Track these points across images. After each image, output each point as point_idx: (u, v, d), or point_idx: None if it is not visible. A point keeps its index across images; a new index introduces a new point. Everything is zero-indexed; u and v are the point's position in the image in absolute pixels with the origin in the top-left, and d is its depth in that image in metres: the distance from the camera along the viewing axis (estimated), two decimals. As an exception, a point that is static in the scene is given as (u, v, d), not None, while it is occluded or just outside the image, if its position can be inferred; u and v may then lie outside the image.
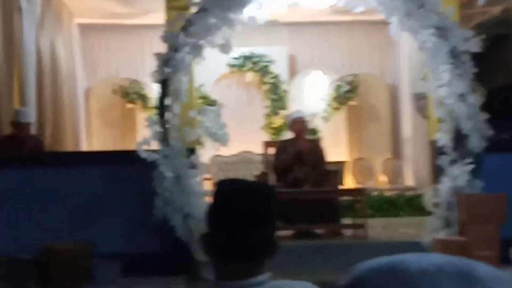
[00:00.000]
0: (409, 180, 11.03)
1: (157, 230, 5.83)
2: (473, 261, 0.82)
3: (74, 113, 10.38)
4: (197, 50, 5.98)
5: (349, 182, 10.68)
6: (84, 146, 10.74)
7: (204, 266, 5.41)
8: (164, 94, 6.01)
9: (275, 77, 11.33)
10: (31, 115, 7.23)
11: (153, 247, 5.94)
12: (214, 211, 1.76)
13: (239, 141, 9.70)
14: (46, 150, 7.55)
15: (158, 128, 5.94)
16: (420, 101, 9.70)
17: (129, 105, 11.22)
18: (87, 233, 5.83)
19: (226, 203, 1.74)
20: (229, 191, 1.77)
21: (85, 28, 11.28)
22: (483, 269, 0.81)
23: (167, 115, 6.01)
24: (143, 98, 11.17)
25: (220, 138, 5.97)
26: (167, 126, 5.97)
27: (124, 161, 6.15)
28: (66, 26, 10.23)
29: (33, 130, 7.37)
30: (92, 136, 11.14)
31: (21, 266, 5.38)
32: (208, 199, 5.94)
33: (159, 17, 7.59)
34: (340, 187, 8.19)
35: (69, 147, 9.63)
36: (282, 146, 7.39)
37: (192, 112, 6.12)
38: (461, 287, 0.79)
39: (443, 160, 6.06)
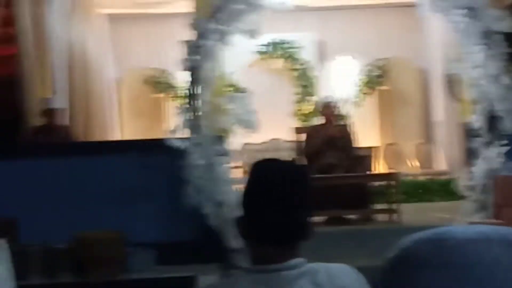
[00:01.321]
0: (441, 164, 10.92)
1: (189, 218, 5.83)
2: None
3: (104, 103, 10.43)
4: (224, 37, 5.95)
5: (380, 167, 10.61)
6: (115, 136, 10.79)
7: (236, 254, 5.40)
8: (193, 82, 6.00)
9: (304, 63, 11.27)
10: (61, 102, 7.27)
11: (185, 235, 5.94)
12: (251, 192, 1.74)
13: (269, 128, 9.67)
14: (77, 139, 7.60)
15: (188, 116, 5.93)
16: (452, 83, 9.58)
17: (156, 95, 11.25)
18: (119, 222, 5.84)
19: (263, 185, 1.72)
20: (266, 172, 1.74)
21: (114, 18, 11.30)
22: None
23: (197, 103, 6.00)
24: (171, 87, 11.19)
25: (250, 125, 5.95)
26: (197, 114, 5.96)
27: (155, 149, 6.16)
28: (95, 17, 10.27)
29: (65, 120, 7.43)
30: (122, 126, 11.19)
31: (54, 255, 5.40)
32: (239, 187, 5.93)
33: (186, 5, 7.59)
34: (371, 172, 8.14)
35: (99, 137, 9.69)
36: (312, 132, 7.36)
37: (221, 100, 6.09)
38: (507, 254, 0.77)
39: (477, 143, 5.98)
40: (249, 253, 1.75)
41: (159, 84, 11.21)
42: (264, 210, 1.70)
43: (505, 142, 5.81)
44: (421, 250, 0.81)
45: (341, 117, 10.33)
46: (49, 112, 6.78)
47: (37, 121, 7.07)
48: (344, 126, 7.83)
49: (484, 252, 0.78)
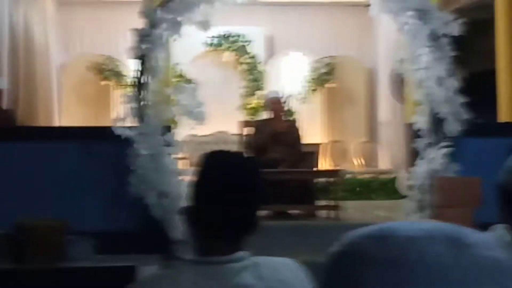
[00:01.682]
0: (384, 163, 11.08)
1: (131, 208, 5.78)
2: (463, 227, 0.82)
3: (48, 89, 10.25)
4: (175, 27, 5.90)
5: (324, 164, 10.70)
6: (57, 122, 10.62)
7: (178, 245, 5.38)
8: (140, 70, 5.94)
9: (253, 57, 11.28)
10: (3, 84, 7.11)
11: (127, 225, 5.89)
12: (200, 183, 1.72)
13: (215, 121, 9.65)
14: (19, 124, 7.45)
15: (134, 105, 5.87)
16: (398, 84, 9.71)
17: (104, 82, 11.10)
18: (61, 210, 5.76)
19: (213, 176, 1.71)
20: (217, 164, 1.73)
21: (60, 3, 11.11)
22: (473, 235, 0.81)
23: (144, 92, 5.94)
24: (118, 75, 11.06)
25: (197, 116, 5.92)
26: (143, 103, 5.90)
27: (99, 137, 6.08)
28: (41, 0, 10.07)
29: (6, 104, 7.27)
30: (65, 113, 11.01)
31: (-7, 241, 5.31)
32: (183, 178, 5.90)
33: (136, -8, 7.50)
34: (316, 168, 8.20)
35: (42, 122, 9.53)
36: (258, 126, 7.37)
37: (168, 90, 6.05)
38: (450, 253, 0.78)
39: (419, 143, 6.08)
40: (194, 244, 1.74)
41: (105, 71, 11.07)
42: (212, 202, 1.69)
43: (447, 143, 5.92)
44: (363, 246, 0.82)
45: (288, 112, 10.40)
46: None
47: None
48: (291, 121, 7.86)
49: (426, 250, 0.79)
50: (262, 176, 1.75)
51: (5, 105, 7.44)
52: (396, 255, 0.78)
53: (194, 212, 1.72)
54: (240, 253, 1.70)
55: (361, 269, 0.79)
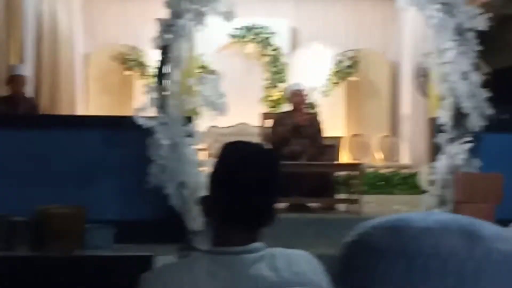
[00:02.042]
0: (405, 158, 11.01)
1: (151, 197, 5.80)
2: (478, 220, 0.80)
3: (72, 77, 10.31)
4: (199, 17, 5.89)
5: (345, 157, 10.66)
6: (81, 111, 10.68)
7: (196, 236, 5.39)
8: (163, 60, 5.94)
9: (276, 49, 11.25)
10: (26, 70, 7.15)
11: (146, 214, 5.91)
12: (219, 173, 1.72)
13: (237, 112, 9.65)
14: (42, 112, 7.50)
15: (156, 95, 5.87)
16: (422, 78, 9.65)
17: (127, 72, 11.14)
18: (81, 198, 5.79)
19: (232, 166, 1.70)
20: (236, 154, 1.72)
21: (87, -8, 11.17)
22: (488, 228, 0.80)
23: (166, 82, 5.95)
24: (141, 65, 11.09)
25: (219, 107, 5.92)
26: (165, 93, 5.91)
27: (120, 126, 6.10)
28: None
29: (29, 92, 7.32)
30: (89, 102, 11.07)
31: (14, 227, 5.36)
32: (203, 168, 5.91)
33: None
34: (336, 162, 8.17)
35: (65, 111, 9.58)
36: (279, 118, 7.35)
37: (191, 81, 6.05)
38: (464, 245, 0.77)
39: (442, 138, 6.03)
40: (210, 233, 1.74)
41: (129, 61, 11.10)
42: (231, 192, 1.68)
43: (470, 139, 5.87)
44: (377, 237, 0.80)
45: (310, 105, 10.37)
46: (15, 79, 6.64)
47: (3, 90, 6.94)
48: (312, 114, 7.83)
49: (440, 243, 0.78)
50: (281, 168, 1.74)
51: (28, 93, 7.50)
52: (410, 246, 0.77)
53: (211, 201, 1.72)
54: (256, 244, 1.69)
55: (374, 260, 0.78)
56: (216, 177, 1.72)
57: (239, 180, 1.67)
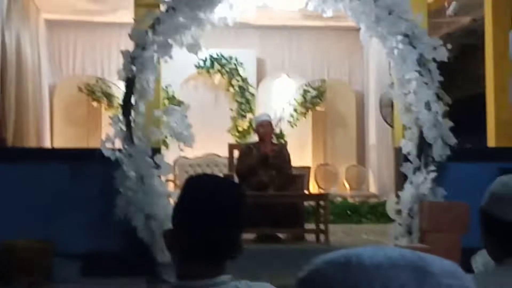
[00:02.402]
0: (373, 187, 11.08)
1: (118, 230, 5.76)
2: (428, 255, 0.82)
3: (38, 110, 10.23)
4: (165, 49, 5.92)
5: (313, 187, 10.69)
6: (47, 144, 10.58)
7: (164, 268, 5.35)
8: (129, 92, 5.94)
9: (243, 80, 11.30)
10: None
11: (114, 247, 5.87)
12: (181, 206, 1.72)
13: (205, 143, 9.65)
14: (7, 145, 7.42)
15: (122, 127, 5.86)
16: (386, 108, 9.76)
17: (95, 104, 11.09)
18: (48, 231, 5.74)
19: (193, 199, 1.70)
20: (200, 187, 1.73)
21: (52, 24, 11.13)
22: (437, 263, 0.81)
23: (132, 113, 5.95)
24: (108, 97, 11.06)
25: (185, 139, 5.93)
26: (131, 125, 5.90)
27: (87, 159, 6.07)
28: (32, 21, 10.08)
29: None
30: (55, 134, 10.98)
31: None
32: (170, 200, 5.89)
33: (127, 15, 7.52)
34: (305, 192, 8.20)
35: (31, 143, 9.49)
36: (246, 149, 7.36)
37: (157, 112, 6.06)
38: (414, 282, 0.78)
39: (407, 168, 6.09)
40: (175, 267, 1.73)
41: (97, 92, 11.06)
42: (194, 226, 1.68)
43: (434, 168, 5.93)
44: (330, 274, 0.82)
45: (278, 135, 10.41)
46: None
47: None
48: (280, 144, 7.87)
49: (390, 279, 0.79)
50: (245, 202, 1.74)
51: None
52: (362, 283, 0.78)
53: (173, 235, 1.72)
54: (222, 277, 1.69)
55: None
56: (178, 210, 1.73)
57: (200, 213, 1.68)
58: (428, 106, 5.95)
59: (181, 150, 6.22)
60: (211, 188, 1.72)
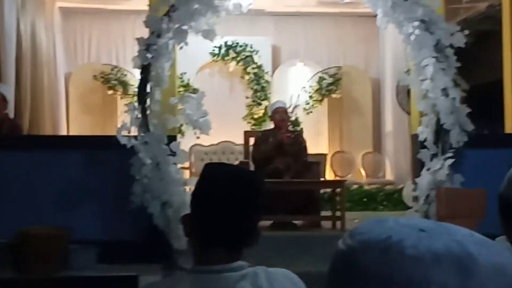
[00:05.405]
0: (389, 174, 11.05)
1: (134, 217, 5.78)
2: (478, 249, 0.77)
3: (54, 98, 10.27)
4: (180, 35, 5.90)
5: (330, 175, 10.68)
6: (63, 132, 10.63)
7: (180, 255, 5.36)
8: (145, 79, 5.94)
9: (258, 67, 11.28)
10: (8, 93, 7.10)
11: (130, 234, 5.89)
12: (199, 192, 1.73)
13: (220, 130, 9.66)
14: (23, 133, 7.45)
15: (138, 114, 5.86)
16: (402, 95, 9.71)
17: (110, 92, 11.12)
18: (64, 219, 5.77)
19: (212, 186, 1.72)
20: (217, 174, 1.74)
21: (67, 12, 11.15)
22: (484, 259, 0.76)
23: (148, 101, 5.94)
24: (124, 84, 11.08)
25: (202, 126, 5.92)
26: (147, 112, 5.90)
27: (103, 146, 6.08)
28: (47, 10, 10.10)
29: (11, 113, 7.28)
30: (71, 122, 11.03)
31: (-5, 250, 5.31)
32: (186, 187, 5.90)
33: (142, 2, 7.51)
34: (321, 179, 8.18)
35: (47, 131, 9.53)
36: (262, 136, 7.35)
37: (173, 99, 6.05)
38: (456, 282, 0.74)
39: (424, 154, 6.06)
40: (193, 253, 1.74)
41: (112, 80, 11.09)
42: (210, 211, 1.69)
43: (451, 154, 5.90)
44: (368, 259, 0.78)
45: (293, 122, 10.38)
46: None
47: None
48: (296, 132, 7.85)
49: (431, 276, 0.74)
50: (263, 188, 1.75)
51: (11, 114, 7.46)
52: (400, 275, 0.74)
53: (191, 220, 1.72)
54: (239, 263, 1.70)
55: (362, 281, 0.76)
56: (196, 197, 1.73)
57: (219, 201, 1.69)
58: (445, 92, 5.90)
59: (197, 137, 6.21)
60: (229, 175, 1.73)
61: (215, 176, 1.74)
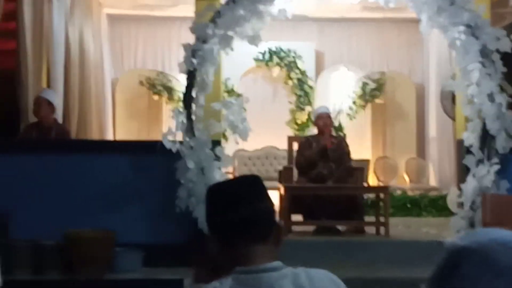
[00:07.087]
0: (433, 180, 10.95)
1: (179, 221, 5.84)
2: None
3: (101, 103, 10.43)
4: (225, 41, 5.96)
5: (372, 180, 10.63)
6: (109, 136, 10.79)
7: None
8: (190, 85, 6.01)
9: (302, 72, 11.29)
10: (57, 99, 7.24)
11: (175, 237, 5.95)
12: (213, 213, 1.82)
13: (264, 136, 9.71)
14: (71, 137, 7.59)
15: (183, 119, 5.94)
16: (447, 100, 9.62)
17: (155, 97, 11.25)
18: (110, 222, 5.85)
19: (222, 199, 1.80)
20: (217, 189, 1.85)
21: (114, 19, 11.33)
22: None
23: (193, 106, 6.01)
24: (169, 90, 11.19)
25: (241, 132, 5.96)
26: (192, 117, 5.97)
27: (149, 151, 6.16)
28: (95, 16, 10.27)
29: (59, 118, 7.44)
30: (117, 126, 11.17)
31: (43, 252, 5.42)
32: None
33: (188, 8, 7.60)
34: (364, 184, 8.16)
35: (94, 136, 9.68)
36: (306, 142, 7.37)
37: (216, 105, 6.11)
38: None
39: (469, 160, 6.00)
40: (229, 256, 1.77)
41: (157, 86, 11.21)
42: (221, 216, 1.76)
43: (497, 160, 5.84)
44: (501, 254, 0.79)
45: (337, 128, 10.38)
46: (39, 101, 6.72)
47: (32, 116, 7.05)
48: (339, 137, 7.85)
49: None
50: (262, 183, 1.82)
51: (60, 119, 7.61)
52: None
53: (212, 236, 1.79)
54: (277, 262, 1.74)
55: (489, 274, 0.77)
56: (208, 215, 1.82)
57: (224, 202, 1.77)
58: (491, 97, 5.84)
59: (237, 143, 6.27)
60: (230, 181, 1.96)
61: (221, 190, 1.83)
